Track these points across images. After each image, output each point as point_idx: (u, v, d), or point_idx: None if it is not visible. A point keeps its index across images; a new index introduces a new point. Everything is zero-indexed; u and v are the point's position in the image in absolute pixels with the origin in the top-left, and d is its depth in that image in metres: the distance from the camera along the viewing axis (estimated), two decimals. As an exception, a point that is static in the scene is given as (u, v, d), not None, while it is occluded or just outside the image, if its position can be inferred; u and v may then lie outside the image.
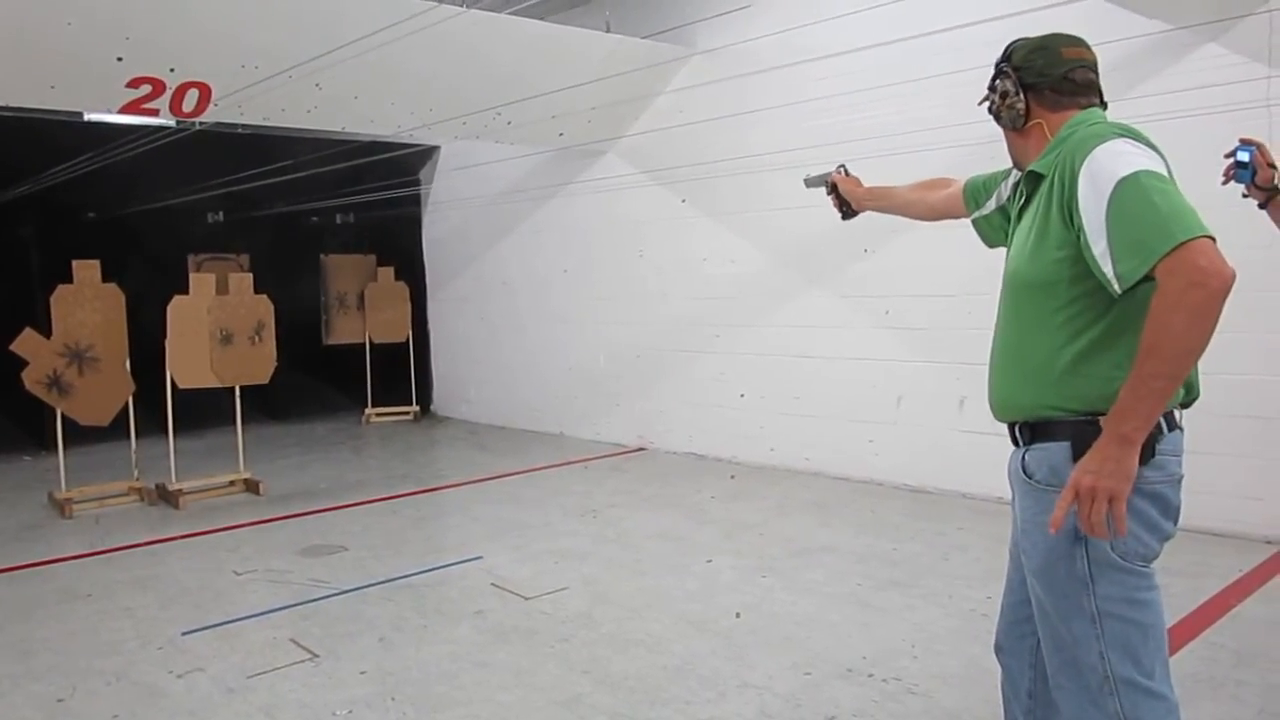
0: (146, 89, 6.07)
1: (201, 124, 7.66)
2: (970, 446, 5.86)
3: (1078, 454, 1.83)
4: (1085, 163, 1.82)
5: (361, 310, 10.46)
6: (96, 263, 6.70)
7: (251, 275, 7.25)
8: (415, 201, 10.67)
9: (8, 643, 4.17)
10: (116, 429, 6.89)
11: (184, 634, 4.20)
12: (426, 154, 10.37)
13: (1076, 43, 2.05)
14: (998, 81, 2.10)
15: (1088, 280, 1.84)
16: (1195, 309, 1.65)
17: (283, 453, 8.55)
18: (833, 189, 2.83)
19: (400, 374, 10.52)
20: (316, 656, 3.87)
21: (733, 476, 6.89)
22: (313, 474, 7.73)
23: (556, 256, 8.98)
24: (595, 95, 7.39)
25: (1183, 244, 1.66)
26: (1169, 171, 1.82)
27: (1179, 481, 1.92)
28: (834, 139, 6.24)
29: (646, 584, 4.63)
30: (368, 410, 10.45)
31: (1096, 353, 1.87)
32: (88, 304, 6.63)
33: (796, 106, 6.71)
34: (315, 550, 5.48)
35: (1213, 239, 1.68)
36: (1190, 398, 1.93)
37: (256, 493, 7.01)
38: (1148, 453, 1.80)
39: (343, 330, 10.43)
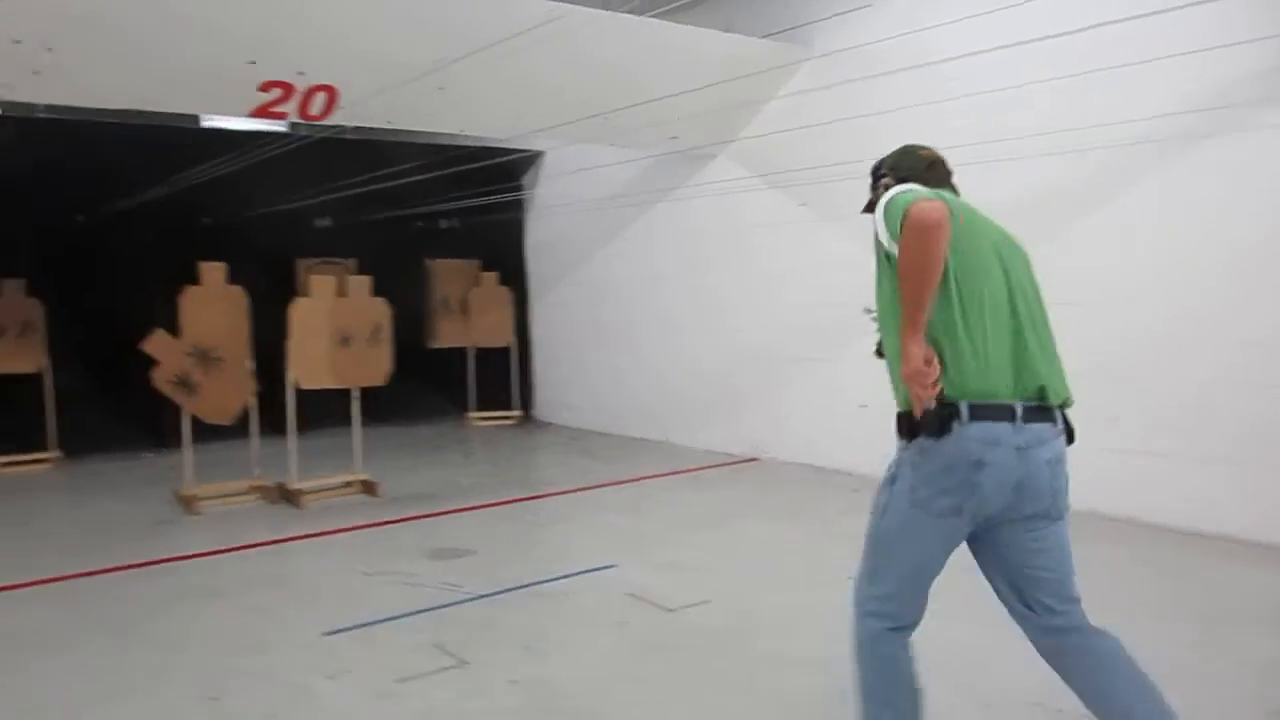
0: (277, 93, 6.15)
1: (322, 127, 7.78)
2: (1122, 466, 5.56)
3: None
4: None
5: (465, 314, 10.50)
6: (223, 265, 6.81)
7: (370, 278, 7.30)
8: (518, 207, 10.68)
9: (153, 638, 4.20)
10: (230, 428, 6.96)
11: (326, 634, 4.17)
12: (530, 159, 10.38)
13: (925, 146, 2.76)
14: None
15: None
16: (911, 236, 2.26)
17: (391, 455, 8.58)
18: None
19: (502, 378, 10.55)
20: (465, 663, 3.80)
21: (856, 490, 6.67)
22: (425, 477, 7.74)
23: (666, 261, 8.89)
24: (710, 97, 7.27)
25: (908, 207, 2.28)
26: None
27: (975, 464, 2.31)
28: (969, 140, 6.01)
29: (793, 599, 4.47)
30: (470, 414, 10.49)
31: None
32: (214, 305, 6.73)
33: (924, 108, 6.49)
34: (442, 553, 5.44)
35: (932, 201, 2.30)
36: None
37: (374, 494, 7.03)
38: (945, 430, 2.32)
39: (447, 334, 10.49)
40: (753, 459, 8.06)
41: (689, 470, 7.73)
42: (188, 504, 6.62)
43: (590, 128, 7.30)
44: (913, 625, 2.52)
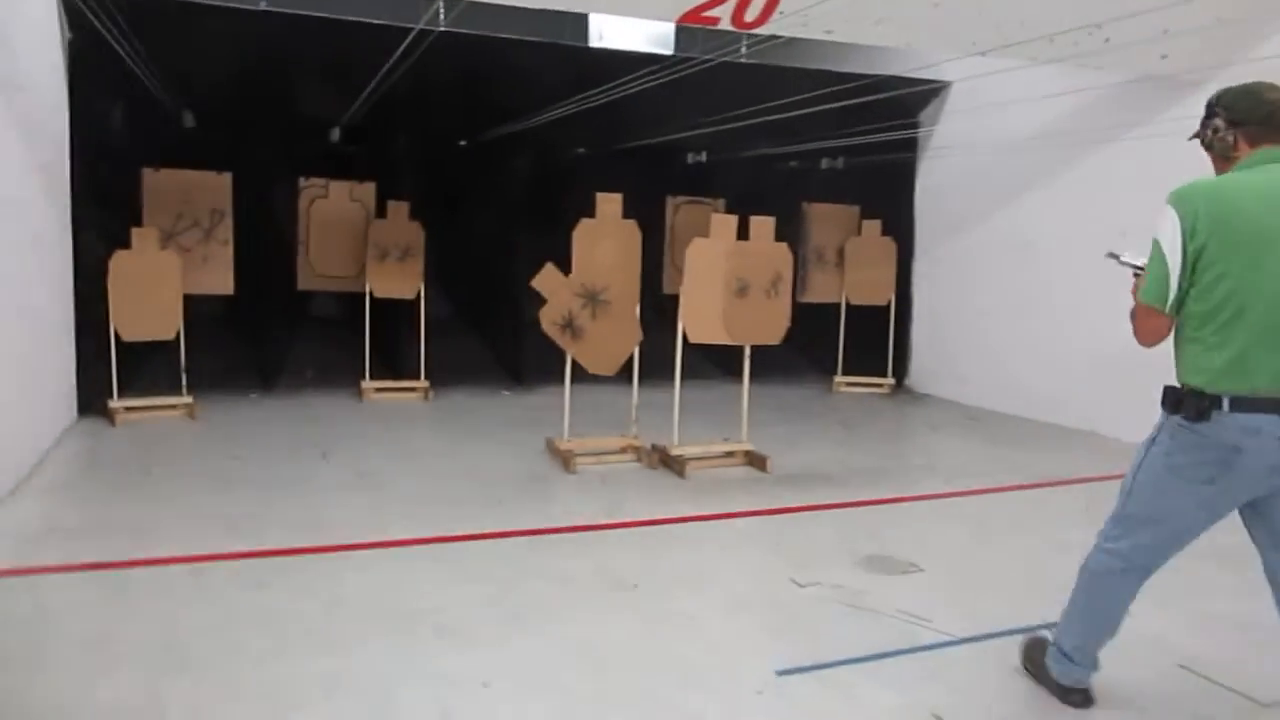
0: (712, -5, 5.21)
1: (723, 45, 6.86)
2: None
3: None
4: None
5: (840, 267, 9.36)
6: (619, 196, 6.07)
7: (774, 220, 6.32)
8: (910, 147, 9.31)
9: (568, 636, 3.45)
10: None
11: (780, 673, 3.23)
12: (931, 93, 8.96)
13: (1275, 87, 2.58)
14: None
15: None
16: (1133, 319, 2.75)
17: (759, 420, 7.60)
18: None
19: (876, 341, 9.34)
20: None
21: None
22: (812, 452, 6.74)
23: (1111, 215, 7.20)
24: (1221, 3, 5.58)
25: None
26: None
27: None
28: None
29: None
30: (837, 378, 9.39)
31: None
32: (606, 242, 6.02)
33: None
34: (878, 563, 4.38)
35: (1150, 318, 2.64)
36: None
37: (762, 469, 6.11)
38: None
39: (818, 288, 9.42)
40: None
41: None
42: (565, 459, 6.01)
43: (1066, 45, 5.81)
44: (1145, 570, 2.78)
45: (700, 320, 6.05)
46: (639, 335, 6.21)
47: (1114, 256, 2.97)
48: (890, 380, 9.37)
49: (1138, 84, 6.88)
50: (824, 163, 9.86)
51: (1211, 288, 2.50)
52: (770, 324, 6.26)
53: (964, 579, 4.23)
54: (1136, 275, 2.75)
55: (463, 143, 9.17)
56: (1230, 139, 2.56)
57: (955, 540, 4.80)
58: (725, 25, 5.30)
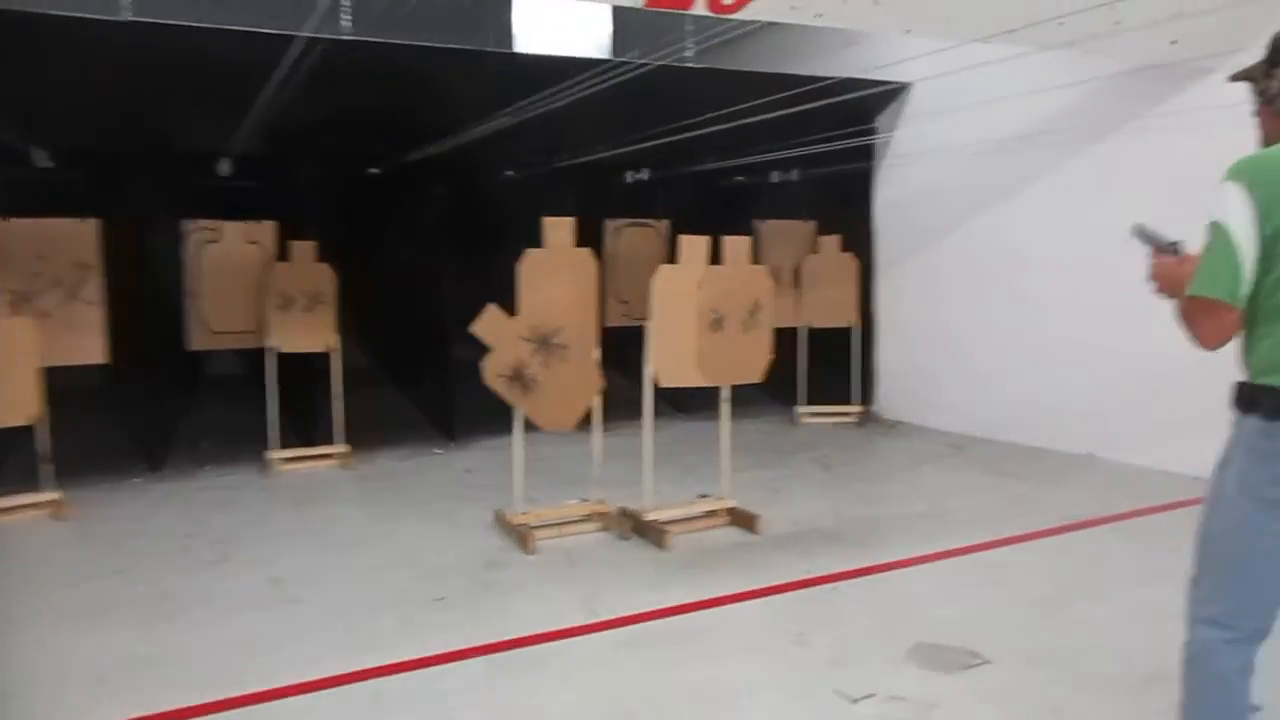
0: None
1: (736, 21, 5.98)
2: None
3: None
4: None
5: (797, 288, 8.58)
6: (570, 221, 5.16)
7: (750, 240, 5.49)
8: (868, 155, 8.62)
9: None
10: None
11: None
12: (889, 96, 8.28)
13: None
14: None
15: None
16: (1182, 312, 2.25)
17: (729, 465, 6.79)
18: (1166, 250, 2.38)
19: (839, 366, 8.58)
20: None
21: None
22: (797, 502, 5.88)
23: (1107, 221, 6.54)
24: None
25: None
26: None
27: None
28: None
29: None
30: (800, 409, 8.59)
31: None
32: (559, 273, 5.10)
33: None
34: (933, 655, 3.53)
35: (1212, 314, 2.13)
36: None
37: (750, 529, 5.23)
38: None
39: (775, 311, 8.57)
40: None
41: (1179, 504, 5.50)
42: (521, 537, 5.03)
43: (1077, 27, 5.13)
44: (1258, 636, 2.23)
45: (672, 360, 5.15)
46: (600, 382, 5.29)
47: (1143, 233, 2.44)
48: (858, 408, 8.61)
49: (1130, 75, 6.27)
50: (775, 176, 9.10)
51: None
52: (750, 360, 5.41)
53: (1046, 670, 3.39)
54: (1161, 254, 2.35)
55: (375, 170, 8.12)
56: None
57: (1010, 612, 3.97)
58: (700, 10, 4.43)
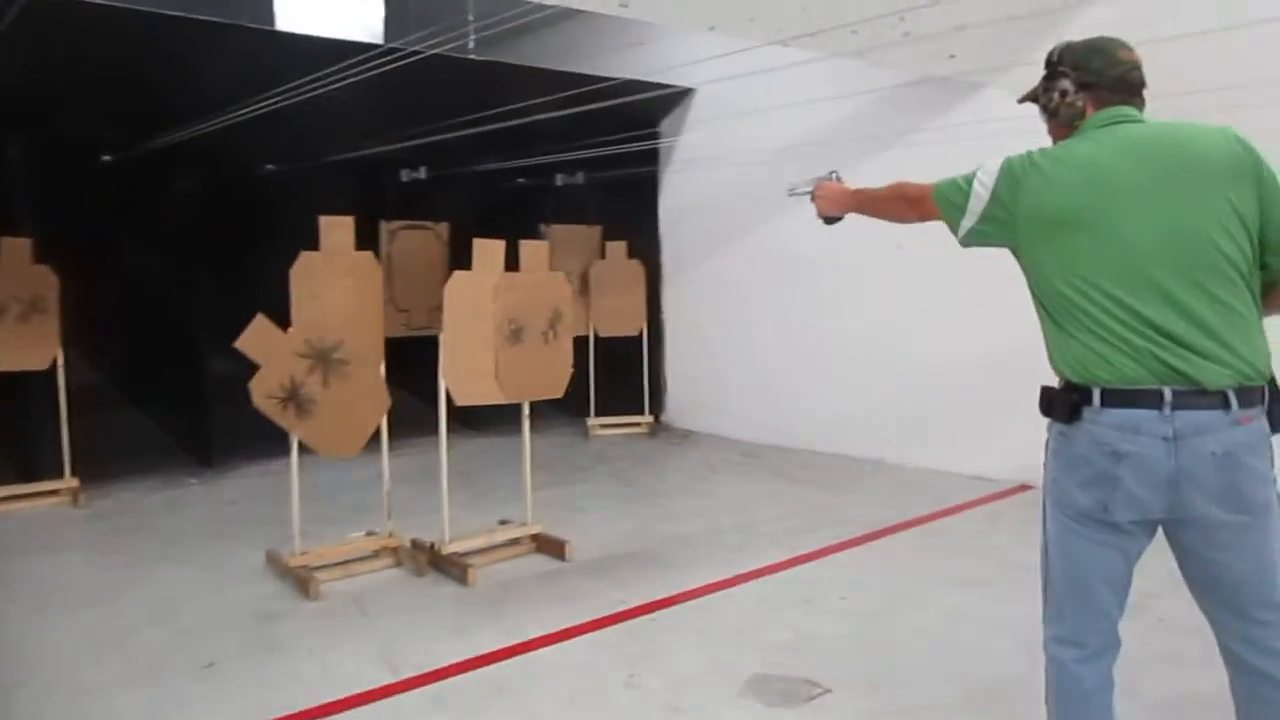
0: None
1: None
2: None
3: None
4: None
5: (585, 295, 8.29)
6: (350, 221, 4.58)
7: (547, 245, 5.13)
8: (653, 159, 8.46)
9: None
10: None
11: None
12: (674, 99, 8.17)
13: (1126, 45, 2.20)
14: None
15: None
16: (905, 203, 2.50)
17: (519, 480, 6.35)
18: (814, 198, 2.77)
19: (629, 375, 8.38)
20: None
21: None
22: (602, 521, 5.57)
23: (887, 230, 6.68)
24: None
25: None
26: None
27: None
28: None
29: None
30: (591, 420, 8.31)
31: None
32: (341, 280, 4.51)
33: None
34: (771, 689, 3.30)
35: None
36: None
37: (560, 556, 4.86)
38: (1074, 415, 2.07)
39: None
40: (1024, 488, 5.98)
41: (972, 504, 5.66)
42: (302, 582, 4.41)
43: (868, 35, 5.11)
44: (1109, 651, 2.19)
45: (468, 375, 4.70)
46: (387, 401, 4.74)
47: (796, 190, 2.84)
48: (648, 418, 8.45)
49: (908, 87, 6.41)
50: (560, 179, 8.76)
51: (1068, 265, 2.08)
52: (552, 373, 5.05)
53: (888, 694, 3.24)
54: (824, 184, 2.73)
55: (108, 157, 7.04)
56: (1080, 104, 2.19)
57: (837, 632, 3.82)
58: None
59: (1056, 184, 2.10)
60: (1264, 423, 2.02)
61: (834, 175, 2.78)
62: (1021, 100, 2.36)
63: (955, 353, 6.41)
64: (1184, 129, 2.07)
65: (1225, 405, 1.97)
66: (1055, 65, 2.24)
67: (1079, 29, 5.41)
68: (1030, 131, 5.30)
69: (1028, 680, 3.17)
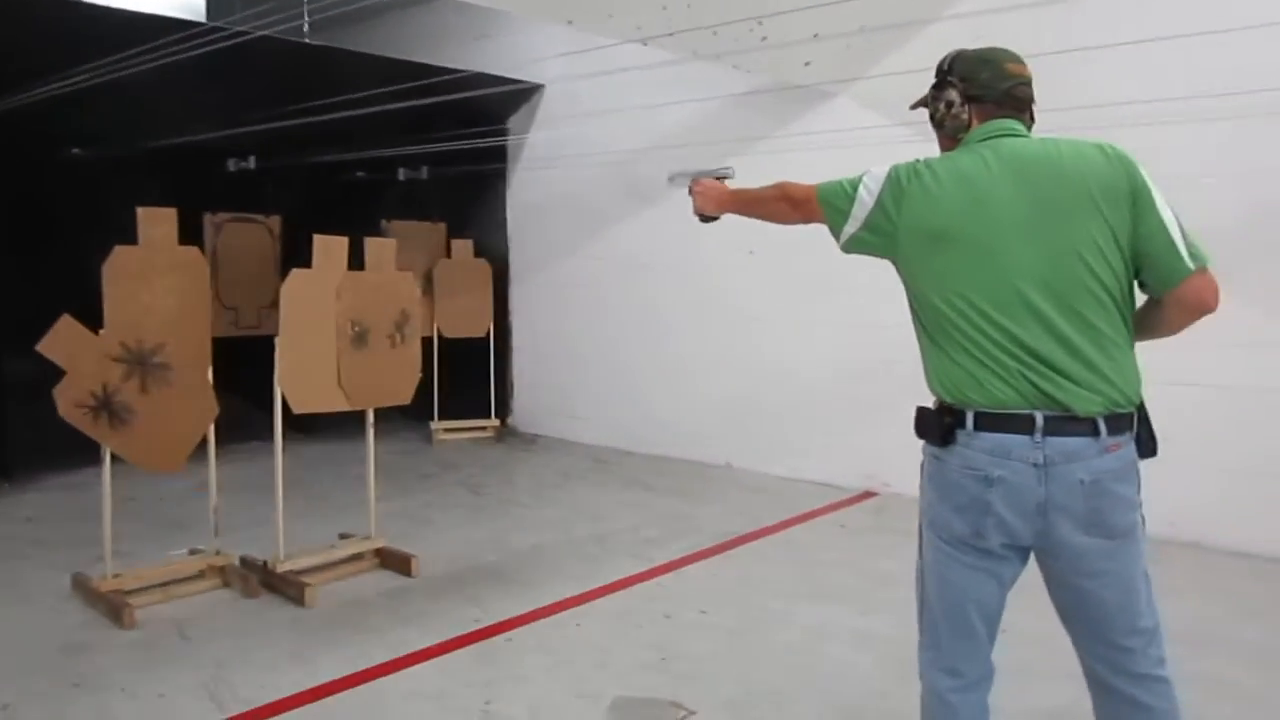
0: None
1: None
2: None
3: None
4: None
5: (429, 295, 7.97)
6: (172, 213, 4.18)
7: (394, 242, 4.86)
8: (501, 157, 8.23)
9: None
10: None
11: None
12: (522, 96, 7.96)
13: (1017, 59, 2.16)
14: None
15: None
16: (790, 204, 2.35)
17: (361, 490, 5.98)
18: (690, 192, 2.68)
19: (475, 378, 8.12)
20: None
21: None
22: (452, 533, 5.33)
23: (737, 235, 6.66)
24: (871, 10, 5.28)
25: None
26: None
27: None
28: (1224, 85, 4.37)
29: None
30: (435, 425, 8.01)
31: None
32: (162, 277, 4.10)
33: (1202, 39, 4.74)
34: (641, 716, 3.18)
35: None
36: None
37: (406, 572, 4.59)
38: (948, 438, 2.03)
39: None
40: (869, 494, 6.12)
41: (821, 511, 5.71)
42: (114, 608, 3.98)
43: (728, 39, 5.06)
44: (986, 679, 2.16)
45: (307, 382, 4.38)
46: (215, 409, 4.35)
47: (678, 177, 2.76)
48: (495, 422, 8.21)
49: (760, 94, 6.44)
50: (402, 173, 8.39)
51: (945, 281, 2.04)
52: (399, 379, 4.79)
53: (754, 714, 3.18)
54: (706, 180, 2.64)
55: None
56: (965, 116, 2.14)
57: (698, 648, 3.73)
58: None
59: (938, 197, 2.05)
60: (1132, 449, 2.01)
61: (727, 171, 2.67)
62: (913, 107, 2.31)
63: (804, 360, 6.49)
64: (1064, 146, 2.03)
65: (1094, 432, 1.96)
66: (945, 75, 2.18)
67: (924, 44, 5.64)
68: (885, 143, 5.40)
69: (893, 696, 3.21)
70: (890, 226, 2.11)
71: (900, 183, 2.09)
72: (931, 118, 2.21)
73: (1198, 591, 4.22)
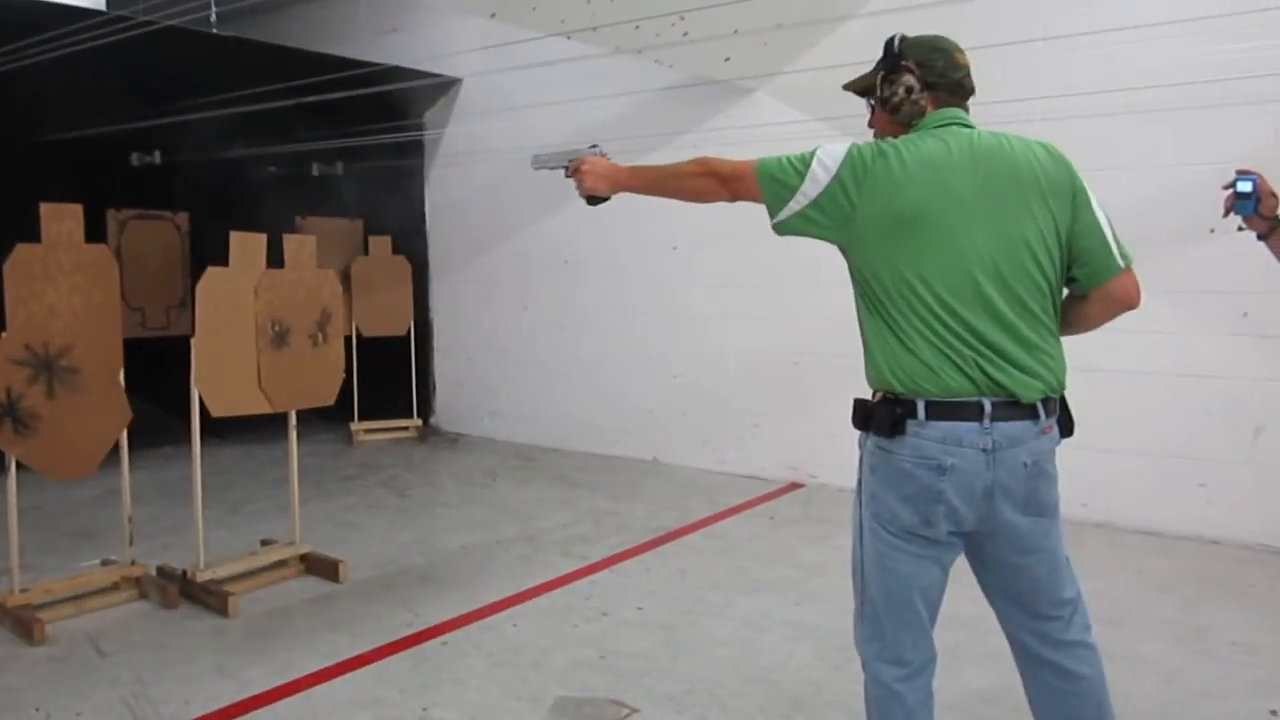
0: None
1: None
2: None
3: None
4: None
5: (347, 293, 7.78)
6: (78, 209, 3.99)
7: (314, 239, 4.73)
8: (419, 152, 8.09)
9: None
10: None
11: None
12: (439, 90, 7.84)
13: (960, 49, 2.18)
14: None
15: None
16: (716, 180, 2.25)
17: (281, 495, 5.81)
18: (574, 172, 2.52)
19: (396, 377, 7.98)
20: None
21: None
22: (377, 538, 5.21)
23: (660, 230, 6.72)
24: (789, 7, 5.35)
25: None
26: None
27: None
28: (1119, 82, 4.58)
29: None
30: (355, 425, 7.84)
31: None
32: (69, 276, 3.92)
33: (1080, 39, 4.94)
34: (583, 715, 3.16)
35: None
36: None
37: (333, 578, 4.48)
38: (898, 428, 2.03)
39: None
40: (795, 485, 6.20)
41: (749, 504, 5.76)
42: (23, 625, 3.79)
43: (649, 33, 5.07)
44: (929, 667, 2.17)
45: (226, 384, 4.23)
46: (128, 413, 4.18)
47: (543, 161, 2.66)
48: (417, 421, 8.08)
49: (682, 89, 6.45)
50: (316, 168, 8.18)
51: (906, 265, 2.02)
52: (322, 379, 4.67)
53: (694, 711, 3.18)
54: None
55: None
56: (923, 103, 2.13)
57: (637, 645, 3.73)
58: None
59: (904, 180, 2.01)
60: (1056, 430, 2.11)
61: (596, 149, 2.53)
62: (852, 88, 2.28)
63: (727, 354, 6.55)
64: (1012, 140, 2.08)
65: (1034, 416, 2.02)
66: (898, 58, 2.14)
67: (834, 42, 5.72)
68: (803, 137, 5.44)
69: (829, 685, 3.26)
70: (848, 206, 2.04)
71: (864, 162, 2.03)
72: (885, 102, 2.15)
73: (1111, 571, 4.39)
